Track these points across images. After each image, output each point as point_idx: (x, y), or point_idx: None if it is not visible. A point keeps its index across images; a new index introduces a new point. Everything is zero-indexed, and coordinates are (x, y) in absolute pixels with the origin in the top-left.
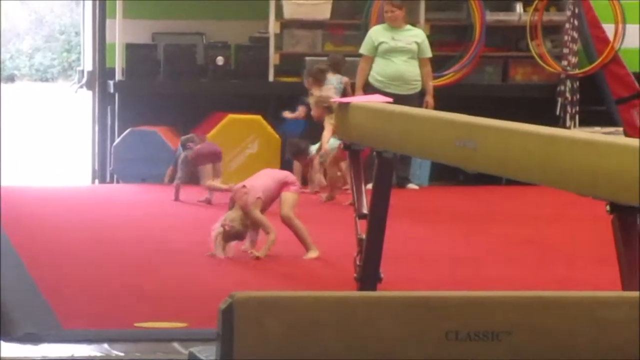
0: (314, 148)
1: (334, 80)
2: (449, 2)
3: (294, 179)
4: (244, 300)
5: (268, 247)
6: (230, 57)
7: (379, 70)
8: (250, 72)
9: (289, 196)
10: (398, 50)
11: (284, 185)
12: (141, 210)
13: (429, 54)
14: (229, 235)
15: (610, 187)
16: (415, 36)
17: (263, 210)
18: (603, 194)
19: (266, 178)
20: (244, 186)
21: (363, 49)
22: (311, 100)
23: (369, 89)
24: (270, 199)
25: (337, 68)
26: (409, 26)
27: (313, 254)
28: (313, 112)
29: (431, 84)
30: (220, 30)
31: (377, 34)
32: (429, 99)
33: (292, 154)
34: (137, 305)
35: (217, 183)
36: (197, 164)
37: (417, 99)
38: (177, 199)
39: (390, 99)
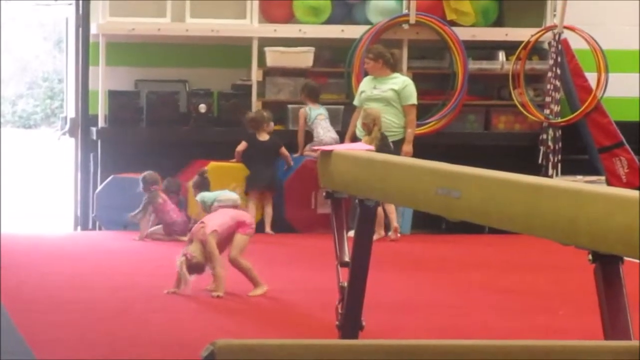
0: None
1: (323, 111)
2: (431, 51)
3: (250, 220)
4: (225, 348)
5: (221, 284)
6: (213, 104)
7: (360, 120)
8: (232, 120)
9: (241, 239)
10: (373, 99)
11: (240, 224)
12: (123, 257)
13: (410, 100)
14: (190, 266)
15: (592, 236)
16: (394, 84)
17: (220, 247)
18: (585, 243)
19: (224, 215)
20: (202, 222)
21: (355, 100)
22: (361, 114)
23: (355, 138)
24: (227, 234)
25: (314, 96)
26: (396, 74)
27: (260, 290)
28: (360, 124)
29: (410, 131)
30: (202, 78)
31: (363, 83)
32: (406, 146)
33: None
34: (119, 353)
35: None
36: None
37: (395, 147)
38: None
39: (372, 147)
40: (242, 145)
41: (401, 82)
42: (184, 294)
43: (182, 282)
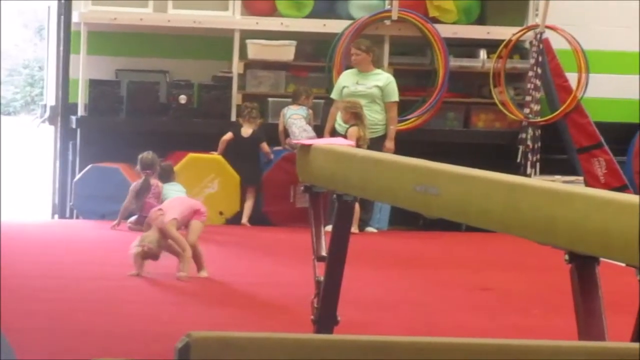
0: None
1: (301, 111)
2: (412, 47)
3: (204, 208)
4: (200, 340)
5: (186, 266)
6: (193, 95)
7: (340, 115)
8: (212, 112)
9: (197, 224)
10: (357, 95)
11: (195, 212)
12: (100, 246)
13: (393, 98)
14: (145, 255)
15: (569, 237)
16: (378, 80)
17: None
18: (562, 243)
19: (182, 204)
20: (160, 209)
21: (332, 93)
22: (340, 106)
23: (335, 133)
24: (183, 223)
25: (294, 98)
26: (378, 70)
27: (204, 273)
28: (343, 116)
29: (392, 128)
30: (183, 69)
31: (344, 78)
32: (388, 143)
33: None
34: (95, 342)
35: None
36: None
37: (378, 143)
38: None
39: (352, 142)
40: (228, 135)
41: (385, 79)
42: (145, 276)
43: (138, 269)
